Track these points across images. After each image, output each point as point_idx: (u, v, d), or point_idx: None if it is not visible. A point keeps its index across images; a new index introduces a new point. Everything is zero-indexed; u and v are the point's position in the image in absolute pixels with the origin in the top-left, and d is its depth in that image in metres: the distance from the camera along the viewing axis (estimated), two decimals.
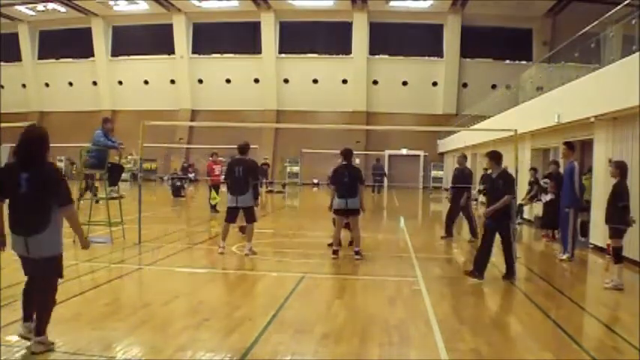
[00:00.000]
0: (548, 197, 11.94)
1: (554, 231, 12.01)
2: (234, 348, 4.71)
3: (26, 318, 4.54)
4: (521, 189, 13.98)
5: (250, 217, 9.19)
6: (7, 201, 4.42)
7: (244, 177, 9.09)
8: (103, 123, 10.01)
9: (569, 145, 9.91)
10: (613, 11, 10.96)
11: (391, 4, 34.58)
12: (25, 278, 4.61)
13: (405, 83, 36.86)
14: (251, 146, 9.96)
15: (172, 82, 38.53)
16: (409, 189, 31.87)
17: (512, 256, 8.00)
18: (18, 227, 4.31)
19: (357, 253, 9.09)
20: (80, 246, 4.97)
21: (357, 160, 34.52)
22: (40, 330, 4.35)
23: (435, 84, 36.82)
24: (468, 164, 27.09)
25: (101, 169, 9.88)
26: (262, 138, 34.85)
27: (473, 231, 11.79)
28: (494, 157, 8.10)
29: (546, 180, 12.31)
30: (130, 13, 37.07)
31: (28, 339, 4.42)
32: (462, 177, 12.13)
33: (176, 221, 15.52)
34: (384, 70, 36.83)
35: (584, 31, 12.58)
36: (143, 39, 38.21)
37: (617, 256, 7.50)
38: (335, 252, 9.16)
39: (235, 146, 9.60)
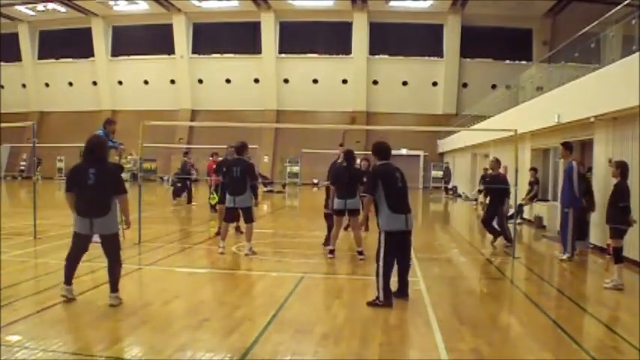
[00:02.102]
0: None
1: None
2: (234, 348, 4.70)
3: (67, 282, 5.79)
4: (522, 189, 13.97)
5: (248, 218, 9.17)
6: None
7: (242, 177, 9.06)
8: (106, 124, 10.01)
9: (566, 146, 9.91)
10: (613, 11, 10.96)
11: (391, 4, 34.60)
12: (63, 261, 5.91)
13: (405, 83, 36.88)
14: (251, 146, 9.96)
15: (172, 82, 38.55)
16: (409, 189, 31.78)
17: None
18: (85, 211, 5.55)
19: (360, 253, 9.07)
20: (125, 225, 6.06)
21: (358, 161, 34.53)
22: (114, 288, 5.75)
23: (435, 84, 36.83)
24: (468, 164, 27.28)
25: None
26: (262, 138, 34.87)
27: (507, 237, 10.96)
28: None
29: None
30: (130, 13, 37.09)
31: (68, 298, 5.71)
32: (497, 182, 11.42)
33: (176, 221, 15.52)
34: (384, 70, 36.84)
35: (584, 31, 12.58)
36: (143, 39, 38.22)
37: (617, 256, 7.50)
38: (331, 251, 9.17)
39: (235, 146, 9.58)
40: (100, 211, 5.52)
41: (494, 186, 11.35)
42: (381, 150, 6.53)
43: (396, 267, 6.30)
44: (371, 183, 6.31)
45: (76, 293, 6.23)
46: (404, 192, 6.41)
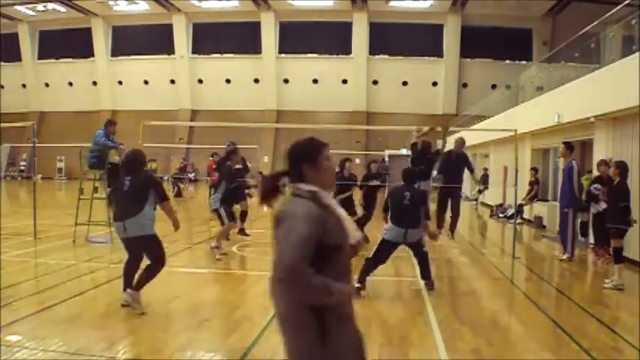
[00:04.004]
0: (601, 207, 9.17)
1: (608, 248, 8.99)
2: (234, 348, 4.70)
3: (125, 288, 5.79)
4: (522, 189, 13.97)
5: (220, 220, 9.19)
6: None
7: (218, 179, 9.35)
8: (107, 125, 10.03)
9: (568, 145, 9.91)
10: (613, 11, 10.96)
11: (391, 4, 34.57)
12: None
13: (405, 83, 36.85)
14: (251, 146, 10.00)
15: (172, 82, 38.51)
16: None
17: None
18: (118, 214, 5.83)
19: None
20: (173, 227, 6.05)
21: (358, 160, 34.55)
22: (136, 285, 5.66)
23: (435, 84, 36.81)
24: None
25: (101, 169, 9.89)
26: (262, 138, 34.83)
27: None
28: None
29: (597, 186, 9.45)
30: (130, 13, 37.05)
31: (129, 306, 5.65)
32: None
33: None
34: (384, 70, 36.81)
35: (584, 31, 12.58)
36: (143, 39, 38.17)
37: (617, 256, 7.50)
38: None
39: (235, 146, 9.65)
40: (131, 212, 5.67)
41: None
42: (405, 174, 7.46)
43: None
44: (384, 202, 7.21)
45: (76, 293, 6.24)
46: (409, 209, 6.79)
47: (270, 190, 2.49)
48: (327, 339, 2.30)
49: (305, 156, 2.49)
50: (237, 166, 10.38)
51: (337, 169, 9.25)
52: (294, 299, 2.31)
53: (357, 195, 11.14)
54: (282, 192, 2.48)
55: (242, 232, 11.06)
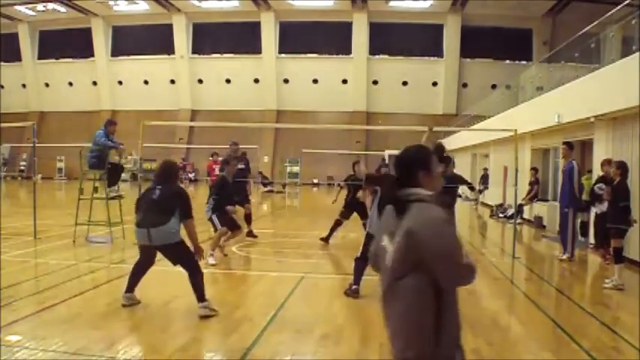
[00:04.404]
0: (605, 207, 8.83)
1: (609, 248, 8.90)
2: (234, 348, 4.70)
3: (128, 290, 5.87)
4: (521, 189, 13.96)
5: (214, 227, 9.09)
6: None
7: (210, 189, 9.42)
8: (107, 125, 10.02)
9: (569, 145, 9.91)
10: (613, 11, 10.96)
11: (391, 4, 34.58)
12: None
13: (405, 83, 36.86)
14: (251, 146, 10.01)
15: (172, 82, 38.53)
16: None
17: None
18: (142, 221, 5.66)
19: None
20: (195, 253, 5.80)
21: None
22: (201, 298, 5.57)
23: (435, 84, 36.82)
24: (468, 164, 27.24)
25: (101, 169, 9.89)
26: (262, 138, 34.86)
27: None
28: None
29: (601, 185, 9.18)
30: (130, 13, 37.07)
31: (129, 305, 5.75)
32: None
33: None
34: (384, 70, 36.82)
35: (584, 31, 12.58)
36: (143, 39, 38.20)
37: (617, 256, 7.50)
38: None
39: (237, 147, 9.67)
40: (158, 221, 5.56)
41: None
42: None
43: None
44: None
45: (76, 293, 6.24)
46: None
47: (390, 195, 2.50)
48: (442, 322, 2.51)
49: (420, 162, 2.52)
50: (240, 166, 10.40)
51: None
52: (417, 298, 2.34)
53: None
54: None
55: (250, 233, 10.95)
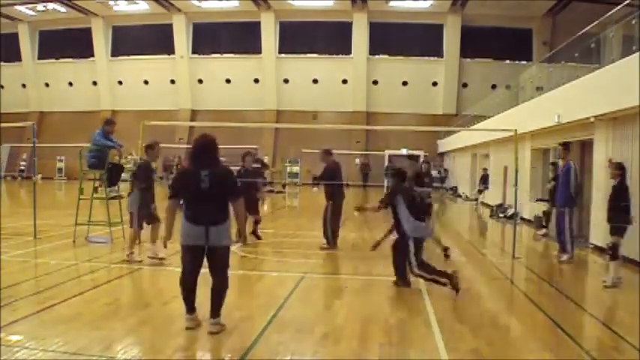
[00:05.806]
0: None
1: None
2: (234, 348, 4.71)
3: (190, 310, 5.12)
4: (521, 189, 13.95)
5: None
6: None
7: None
8: (105, 124, 10.02)
9: (565, 146, 9.92)
10: (613, 11, 10.96)
11: (391, 4, 34.58)
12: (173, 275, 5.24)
13: (405, 83, 36.86)
14: (251, 146, 9.98)
15: (172, 82, 38.53)
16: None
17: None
18: (201, 218, 4.88)
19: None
20: (239, 235, 5.39)
21: (357, 161, 34.57)
22: (215, 312, 5.01)
23: (435, 84, 36.82)
24: (468, 164, 27.24)
25: (101, 169, 9.89)
26: (262, 138, 34.87)
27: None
28: None
29: None
30: (130, 13, 37.06)
31: (193, 328, 5.05)
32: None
33: (176, 221, 15.49)
34: (384, 70, 36.82)
35: (584, 31, 12.58)
36: (143, 39, 38.20)
37: (614, 252, 7.51)
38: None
39: (236, 146, 9.59)
40: (218, 219, 4.90)
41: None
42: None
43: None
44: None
45: (76, 293, 6.23)
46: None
47: None
48: None
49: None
50: (255, 165, 10.25)
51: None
52: None
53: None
54: None
55: (254, 233, 10.91)
